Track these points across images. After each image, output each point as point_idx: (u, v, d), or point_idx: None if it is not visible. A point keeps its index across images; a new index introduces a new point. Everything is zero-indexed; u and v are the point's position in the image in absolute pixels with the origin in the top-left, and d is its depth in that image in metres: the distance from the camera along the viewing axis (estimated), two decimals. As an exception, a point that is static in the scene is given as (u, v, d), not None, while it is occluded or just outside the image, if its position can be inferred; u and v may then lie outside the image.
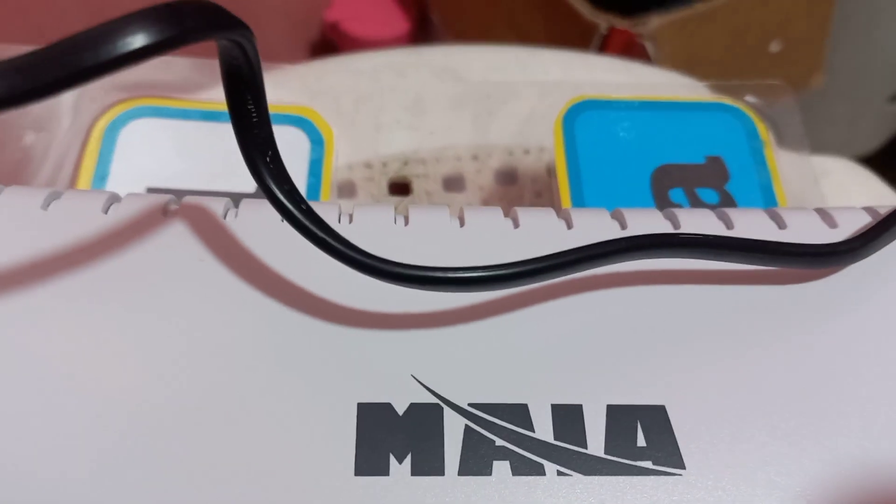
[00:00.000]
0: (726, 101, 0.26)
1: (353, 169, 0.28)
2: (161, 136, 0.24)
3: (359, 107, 0.29)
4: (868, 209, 0.19)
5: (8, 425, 0.14)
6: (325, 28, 0.73)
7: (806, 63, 0.60)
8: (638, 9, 0.50)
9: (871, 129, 0.75)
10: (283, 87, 0.29)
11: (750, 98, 0.27)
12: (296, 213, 0.14)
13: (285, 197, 0.14)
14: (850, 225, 0.18)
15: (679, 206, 0.23)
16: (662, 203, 0.23)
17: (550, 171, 0.26)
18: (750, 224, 0.18)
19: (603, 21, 0.49)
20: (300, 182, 0.23)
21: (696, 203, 0.23)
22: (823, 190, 0.29)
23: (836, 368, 0.16)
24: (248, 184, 0.22)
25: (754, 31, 0.54)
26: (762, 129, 0.25)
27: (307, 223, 0.14)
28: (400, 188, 0.28)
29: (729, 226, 0.18)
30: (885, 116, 0.73)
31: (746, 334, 0.16)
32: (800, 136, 0.25)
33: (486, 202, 0.28)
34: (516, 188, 0.29)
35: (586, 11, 0.50)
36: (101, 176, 0.23)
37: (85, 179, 0.22)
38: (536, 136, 0.29)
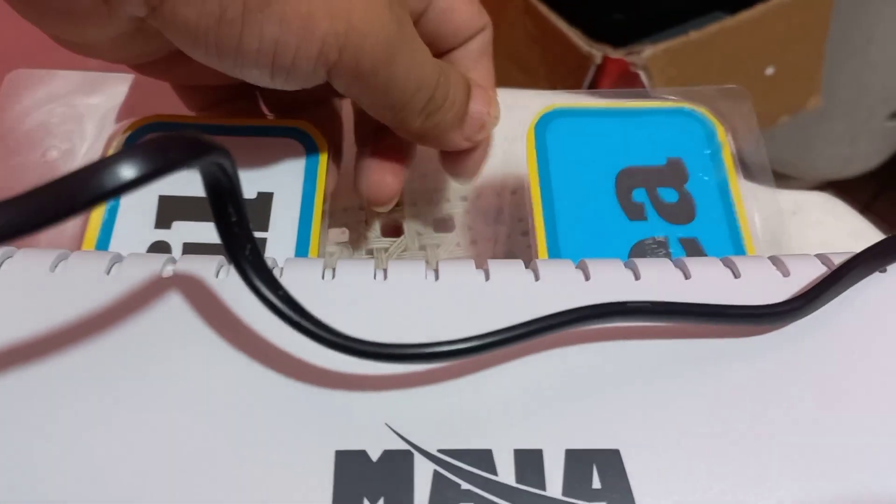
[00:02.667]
0: (687, 105, 0.27)
1: (348, 212, 0.30)
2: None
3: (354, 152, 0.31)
4: (821, 256, 0.20)
5: (21, 478, 0.15)
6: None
7: (802, 86, 0.61)
8: (631, 38, 0.51)
9: (872, 146, 0.75)
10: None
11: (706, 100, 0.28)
12: (273, 299, 0.16)
13: (263, 284, 0.16)
14: (801, 273, 0.19)
15: (642, 204, 0.24)
16: (626, 203, 0.24)
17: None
18: (706, 273, 0.19)
19: (597, 51, 0.50)
20: (296, 189, 0.24)
21: (656, 202, 0.24)
22: (801, 224, 0.30)
23: (781, 415, 0.17)
24: (250, 193, 0.24)
25: (749, 58, 0.55)
26: (720, 131, 0.26)
27: (284, 308, 0.16)
28: (392, 229, 0.30)
29: (686, 275, 0.19)
30: (885, 134, 0.74)
31: (696, 384, 0.17)
32: (766, 170, 0.27)
33: (475, 241, 0.30)
34: (503, 227, 0.30)
35: (582, 43, 0.51)
36: None
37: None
38: (522, 177, 0.30)
